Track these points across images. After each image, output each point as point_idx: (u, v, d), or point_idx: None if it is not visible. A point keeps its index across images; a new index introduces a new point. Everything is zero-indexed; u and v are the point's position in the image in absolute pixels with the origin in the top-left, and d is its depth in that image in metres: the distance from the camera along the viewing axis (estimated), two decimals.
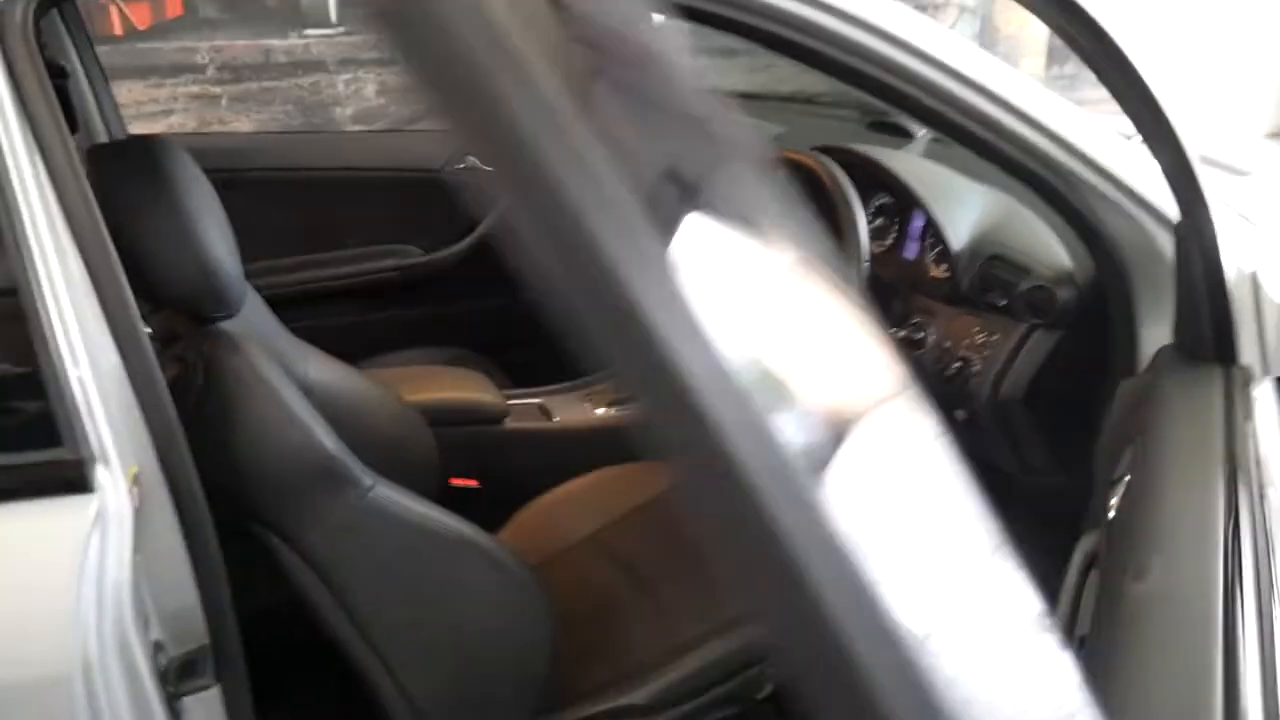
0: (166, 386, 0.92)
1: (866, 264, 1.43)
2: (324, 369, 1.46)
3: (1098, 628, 0.85)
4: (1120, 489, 0.99)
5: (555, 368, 2.76)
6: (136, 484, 0.86)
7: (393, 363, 2.27)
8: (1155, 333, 1.29)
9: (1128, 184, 1.21)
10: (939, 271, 1.57)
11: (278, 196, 2.42)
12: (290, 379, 1.15)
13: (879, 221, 1.73)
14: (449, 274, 2.56)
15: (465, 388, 1.83)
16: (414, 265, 2.53)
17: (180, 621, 0.96)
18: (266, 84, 3.97)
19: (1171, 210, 1.22)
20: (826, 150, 1.60)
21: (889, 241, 1.71)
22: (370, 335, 2.51)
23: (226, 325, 1.12)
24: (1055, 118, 1.17)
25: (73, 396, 0.82)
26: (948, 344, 1.49)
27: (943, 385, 1.49)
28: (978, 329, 1.45)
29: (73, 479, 0.82)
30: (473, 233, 2.57)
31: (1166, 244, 1.25)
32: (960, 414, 1.53)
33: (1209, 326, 1.11)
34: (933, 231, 1.60)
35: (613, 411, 1.96)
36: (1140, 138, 1.08)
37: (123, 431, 0.86)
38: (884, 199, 1.71)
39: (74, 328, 0.83)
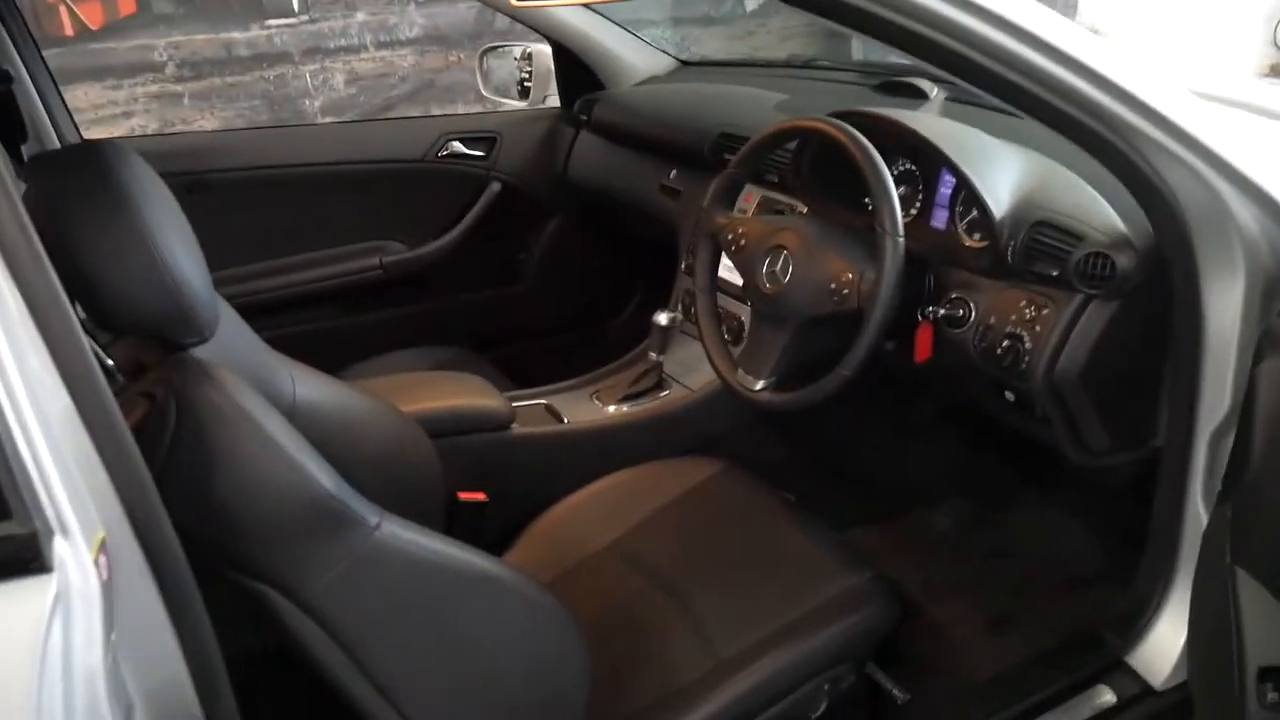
0: (131, 432, 0.78)
1: (902, 239, 1.30)
2: (311, 386, 1.33)
3: None
4: None
5: (557, 362, 2.63)
6: (103, 553, 0.73)
7: (382, 367, 2.14)
8: (1223, 300, 1.17)
9: (1193, 135, 1.08)
10: (974, 241, 1.45)
11: (248, 197, 2.27)
12: (276, 406, 1.01)
13: (902, 190, 1.60)
14: (437, 269, 2.43)
15: (466, 393, 1.69)
16: (399, 261, 2.39)
17: (168, 697, 0.83)
18: (230, 79, 3.79)
19: (1243, 164, 1.10)
20: (842, 115, 1.46)
21: (914, 211, 1.59)
22: (356, 339, 2.37)
23: (199, 352, 0.98)
24: (1106, 65, 1.04)
25: (16, 455, 0.68)
26: (992, 320, 1.36)
27: (991, 365, 1.36)
28: (1025, 303, 1.33)
29: (25, 558, 0.68)
30: (460, 223, 2.43)
31: (1235, 201, 1.12)
32: (1009, 395, 1.41)
33: None
34: (964, 198, 1.48)
35: (625, 408, 1.83)
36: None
37: (82, 492, 0.72)
38: (906, 165, 1.58)
39: (11, 369, 0.68)
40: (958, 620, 1.70)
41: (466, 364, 2.22)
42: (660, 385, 1.87)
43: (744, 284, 1.52)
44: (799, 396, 1.40)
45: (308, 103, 3.92)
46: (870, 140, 1.38)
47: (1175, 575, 1.37)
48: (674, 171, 2.14)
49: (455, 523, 1.59)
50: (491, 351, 2.46)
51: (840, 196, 1.66)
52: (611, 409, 1.83)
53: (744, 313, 1.84)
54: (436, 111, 3.60)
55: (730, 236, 1.53)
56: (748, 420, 1.84)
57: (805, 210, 1.72)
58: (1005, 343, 1.33)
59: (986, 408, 1.55)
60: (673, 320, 1.83)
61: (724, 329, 1.64)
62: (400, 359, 2.20)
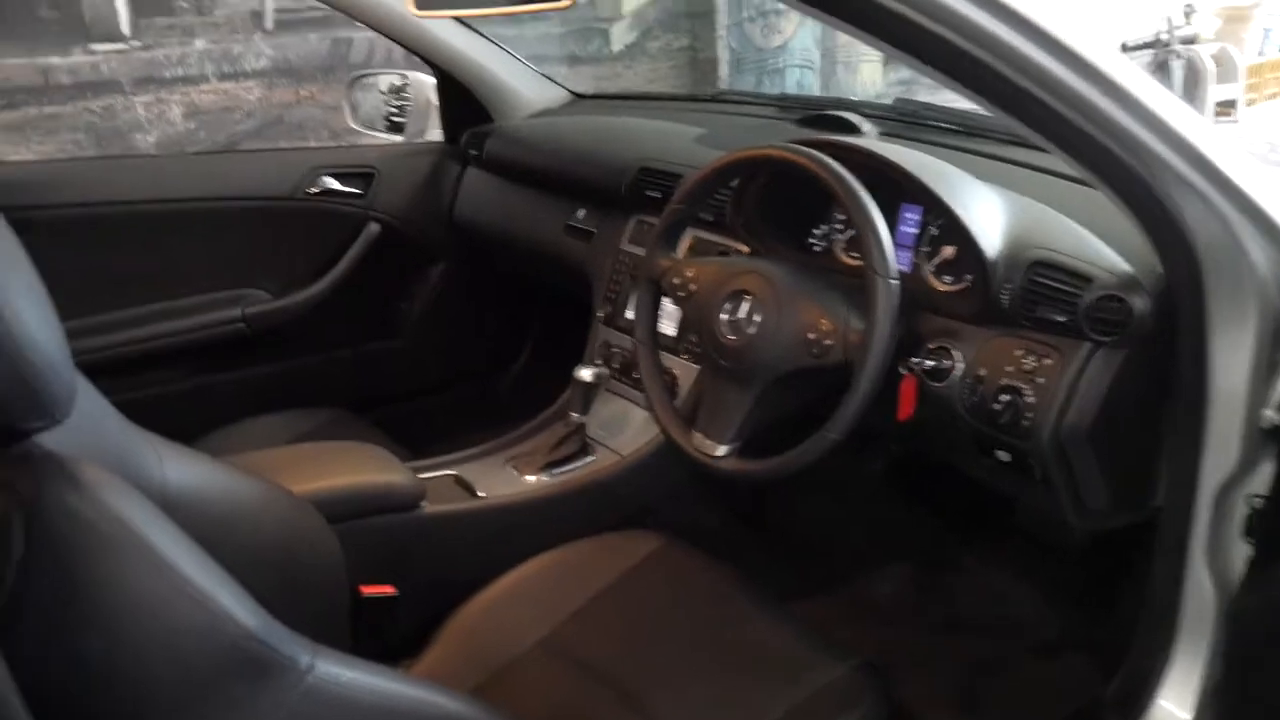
0: None
1: (896, 281, 1.15)
2: (184, 467, 1.07)
3: None
4: None
5: (448, 423, 2.38)
6: None
7: (247, 435, 1.86)
8: (1233, 345, 1.07)
9: (1207, 158, 0.98)
10: (946, 285, 1.32)
11: (82, 238, 1.95)
12: (150, 498, 0.76)
13: (848, 231, 1.47)
14: (307, 320, 2.15)
15: (365, 467, 1.44)
16: (263, 313, 2.11)
17: None
18: (49, 109, 3.38)
19: (1257, 193, 1.01)
20: (799, 144, 1.31)
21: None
22: (215, 403, 2.08)
23: (47, 439, 0.72)
24: (1125, 77, 0.93)
25: None
26: (982, 372, 1.23)
27: (984, 422, 1.23)
28: (1023, 353, 1.20)
29: None
30: (333, 269, 2.17)
31: (1248, 236, 1.02)
32: (1002, 455, 1.27)
33: None
34: (932, 237, 1.35)
35: (546, 478, 1.62)
36: None
37: None
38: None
39: None
40: (926, 703, 1.55)
41: (344, 428, 1.97)
42: (585, 450, 1.66)
43: (695, 336, 1.35)
44: (776, 465, 1.23)
45: (140, 137, 3.54)
46: None
47: (1176, 646, 1.26)
48: (582, 211, 1.95)
49: (359, 623, 1.34)
50: (372, 413, 2.20)
51: (786, 237, 1.52)
52: (531, 479, 1.61)
53: (678, 367, 1.66)
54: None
55: (677, 281, 1.36)
56: (681, 486, 1.66)
57: (748, 251, 1.56)
58: (1003, 398, 1.20)
59: (969, 468, 1.42)
60: (598, 376, 1.63)
61: None
62: (268, 425, 1.92)
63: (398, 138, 2.37)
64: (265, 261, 2.12)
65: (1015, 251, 1.22)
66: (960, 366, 1.26)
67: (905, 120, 1.80)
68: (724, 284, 1.30)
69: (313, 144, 2.29)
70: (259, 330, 2.09)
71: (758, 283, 1.27)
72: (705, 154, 1.76)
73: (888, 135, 1.78)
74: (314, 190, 2.13)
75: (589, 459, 1.65)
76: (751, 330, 1.25)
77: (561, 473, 1.63)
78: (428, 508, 1.47)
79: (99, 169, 2.02)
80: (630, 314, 1.76)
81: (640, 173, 1.78)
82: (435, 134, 2.38)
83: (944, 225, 1.33)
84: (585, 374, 1.62)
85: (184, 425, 1.90)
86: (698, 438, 1.31)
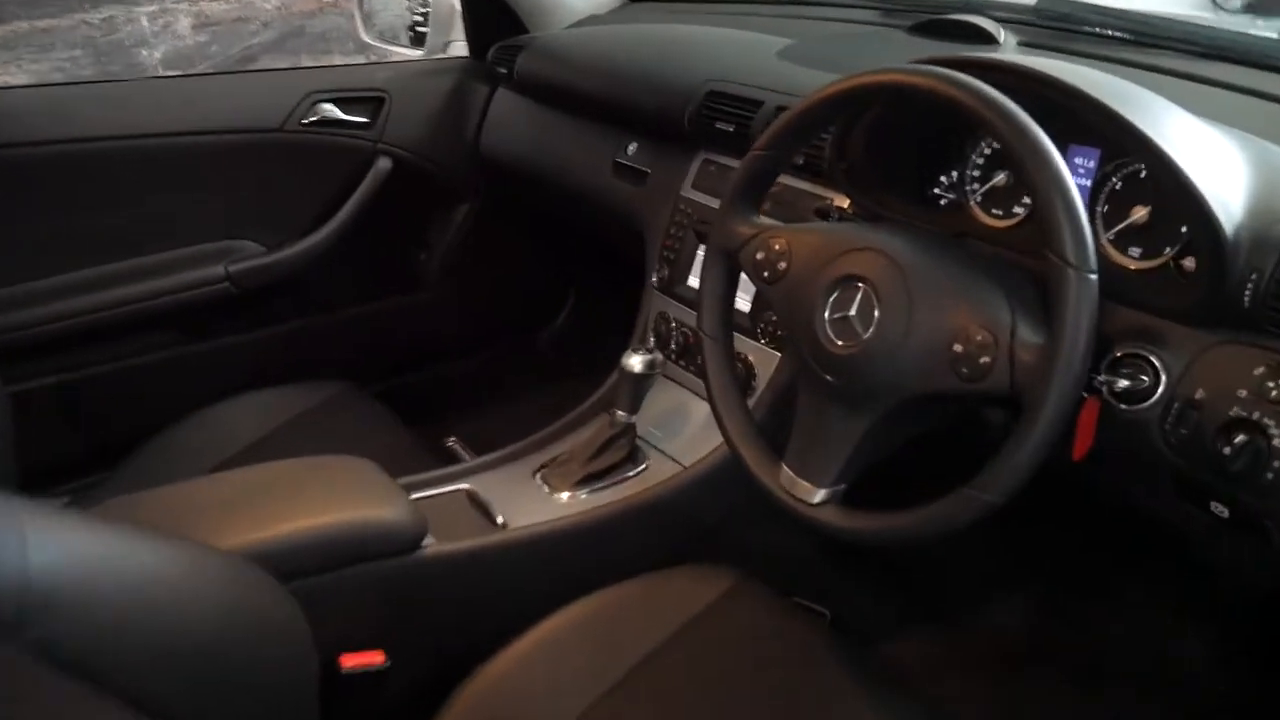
0: None
1: (1095, 275, 0.78)
2: (60, 546, 0.75)
3: None
4: None
5: (474, 392, 2.06)
6: None
7: (233, 414, 1.58)
8: None
9: None
10: (1140, 262, 0.95)
11: (37, 182, 1.63)
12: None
13: (983, 175, 1.09)
14: (306, 277, 1.83)
15: (345, 498, 1.12)
16: (253, 269, 1.78)
17: None
18: (43, 22, 3.05)
19: None
20: (929, 64, 0.92)
21: (1004, 212, 1.08)
22: (197, 377, 1.78)
23: None
24: None
25: None
26: (1199, 395, 0.86)
27: (1202, 464, 0.86)
28: (1265, 371, 0.82)
29: None
30: (336, 214, 1.83)
31: None
32: (1219, 509, 0.91)
33: None
34: (1125, 191, 0.98)
35: (586, 495, 1.28)
36: None
37: None
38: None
39: None
40: None
41: (347, 404, 1.67)
42: (635, 457, 1.32)
43: (787, 332, 0.99)
44: (901, 526, 0.88)
45: (145, 53, 3.20)
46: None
47: None
48: (633, 145, 1.58)
49: (335, 704, 1.03)
50: (383, 384, 1.89)
51: (903, 187, 1.14)
52: (566, 496, 1.28)
53: (754, 353, 1.30)
54: (307, 63, 2.88)
55: (761, 256, 0.99)
56: (760, 504, 1.31)
57: (849, 207, 1.19)
58: (1238, 438, 0.83)
59: (1160, 514, 1.06)
60: (650, 364, 1.28)
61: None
62: (256, 403, 1.63)
63: (415, 53, 2.01)
64: (254, 208, 1.79)
65: (1265, 224, 0.84)
66: (1164, 384, 0.89)
67: (1053, 26, 1.39)
68: (829, 264, 0.93)
69: (307, 63, 1.94)
70: (248, 290, 1.77)
71: (877, 264, 0.90)
72: (793, 73, 1.38)
73: (1029, 46, 1.37)
74: (311, 120, 1.78)
75: (640, 468, 1.32)
76: (869, 334, 0.89)
77: (605, 488, 1.29)
78: (430, 547, 1.14)
79: (48, 99, 1.68)
80: (694, 280, 1.40)
81: (708, 98, 1.41)
82: (460, 48, 2.01)
83: (1135, 175, 0.96)
84: (635, 362, 1.27)
85: (159, 405, 1.62)
86: (787, 475, 0.97)
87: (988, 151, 1.12)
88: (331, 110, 1.79)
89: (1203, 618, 1.40)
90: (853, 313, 0.90)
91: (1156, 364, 0.90)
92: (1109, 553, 1.47)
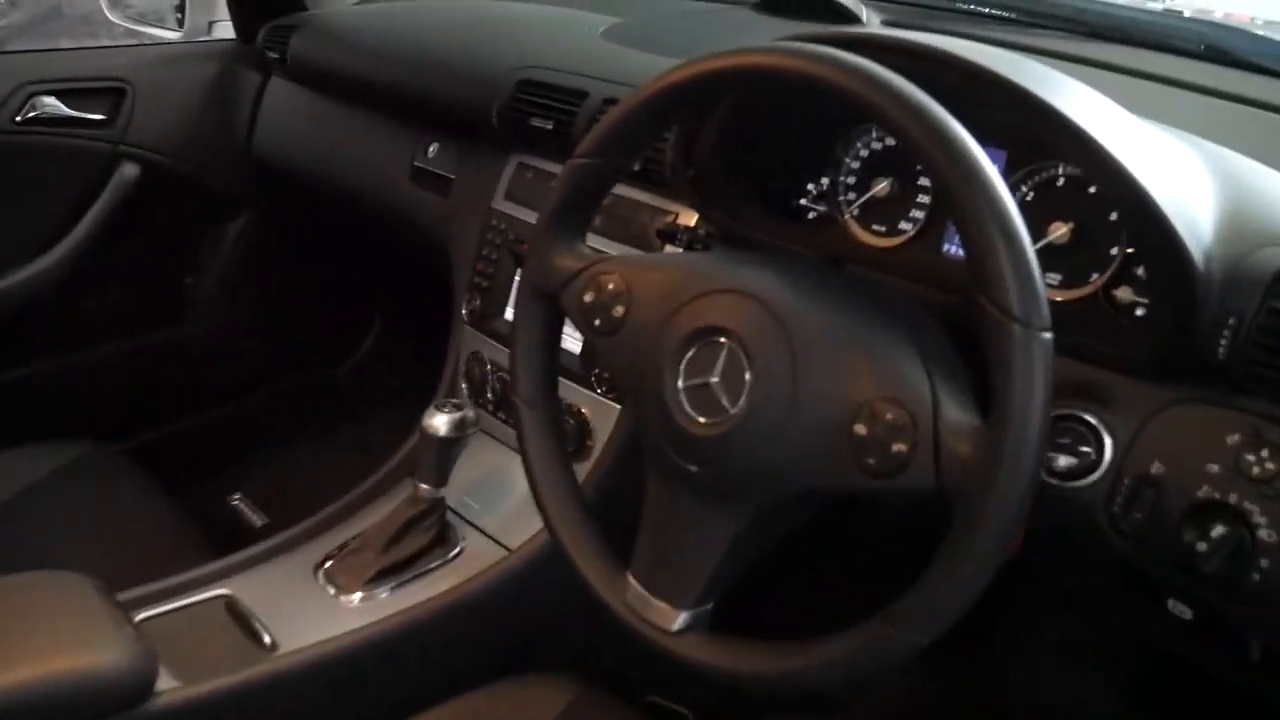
0: None
1: (1049, 333, 0.57)
2: None
3: None
4: None
5: (256, 446, 1.73)
6: None
7: None
8: None
9: None
10: (1066, 292, 0.76)
11: None
12: None
13: (883, 186, 0.88)
14: (33, 309, 1.47)
15: (53, 642, 0.81)
16: None
17: None
18: None
19: None
20: (806, 41, 0.70)
21: (907, 226, 0.88)
22: None
23: None
24: None
25: None
26: (1157, 470, 0.67)
27: (1160, 561, 0.68)
28: (1241, 440, 0.64)
29: None
30: (71, 233, 1.48)
31: None
32: (1180, 609, 0.72)
33: None
34: (1047, 202, 0.79)
35: (386, 594, 1.01)
36: None
37: None
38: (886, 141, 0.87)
39: None
40: None
41: (95, 469, 1.35)
42: (444, 539, 1.06)
43: (629, 396, 0.76)
44: (795, 670, 0.65)
45: None
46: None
47: None
48: (434, 146, 1.32)
49: None
50: (138, 439, 1.56)
51: (761, 196, 0.93)
52: (358, 599, 1.00)
53: (587, 404, 1.06)
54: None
55: (591, 299, 0.75)
56: None
57: (694, 225, 0.96)
58: (1215, 529, 0.64)
59: (1101, 608, 0.88)
60: (459, 424, 1.02)
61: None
62: None
63: (169, 34, 1.68)
64: None
65: (1238, 252, 0.65)
66: (1109, 454, 0.70)
67: (921, 3, 1.20)
68: (680, 311, 0.70)
69: (19, 48, 1.58)
70: None
71: (745, 312, 0.67)
72: (622, 57, 1.14)
73: (894, 25, 1.18)
74: (29, 117, 1.42)
75: (453, 554, 1.05)
76: (738, 408, 0.65)
77: (408, 583, 1.02)
78: (164, 693, 0.85)
79: None
80: (511, 313, 1.15)
81: (519, 88, 1.16)
82: (226, 30, 1.68)
83: (1050, 184, 0.78)
84: (439, 423, 1.01)
85: None
86: (635, 593, 0.73)
87: (864, 153, 0.91)
88: (55, 105, 1.44)
89: (1107, 669, 1.24)
90: (715, 378, 0.67)
91: (1099, 429, 0.71)
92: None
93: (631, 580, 0.73)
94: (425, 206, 1.31)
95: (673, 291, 0.71)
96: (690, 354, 0.68)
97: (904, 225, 0.88)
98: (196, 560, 1.09)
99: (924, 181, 0.87)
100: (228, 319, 1.70)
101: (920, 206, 0.87)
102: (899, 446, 0.60)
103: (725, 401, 0.66)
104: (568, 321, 0.79)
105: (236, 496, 1.69)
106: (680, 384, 0.68)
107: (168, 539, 1.29)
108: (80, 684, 0.80)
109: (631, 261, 0.76)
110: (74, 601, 0.86)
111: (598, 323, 0.74)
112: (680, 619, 0.71)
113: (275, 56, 1.54)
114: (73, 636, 0.82)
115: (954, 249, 0.86)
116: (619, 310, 0.73)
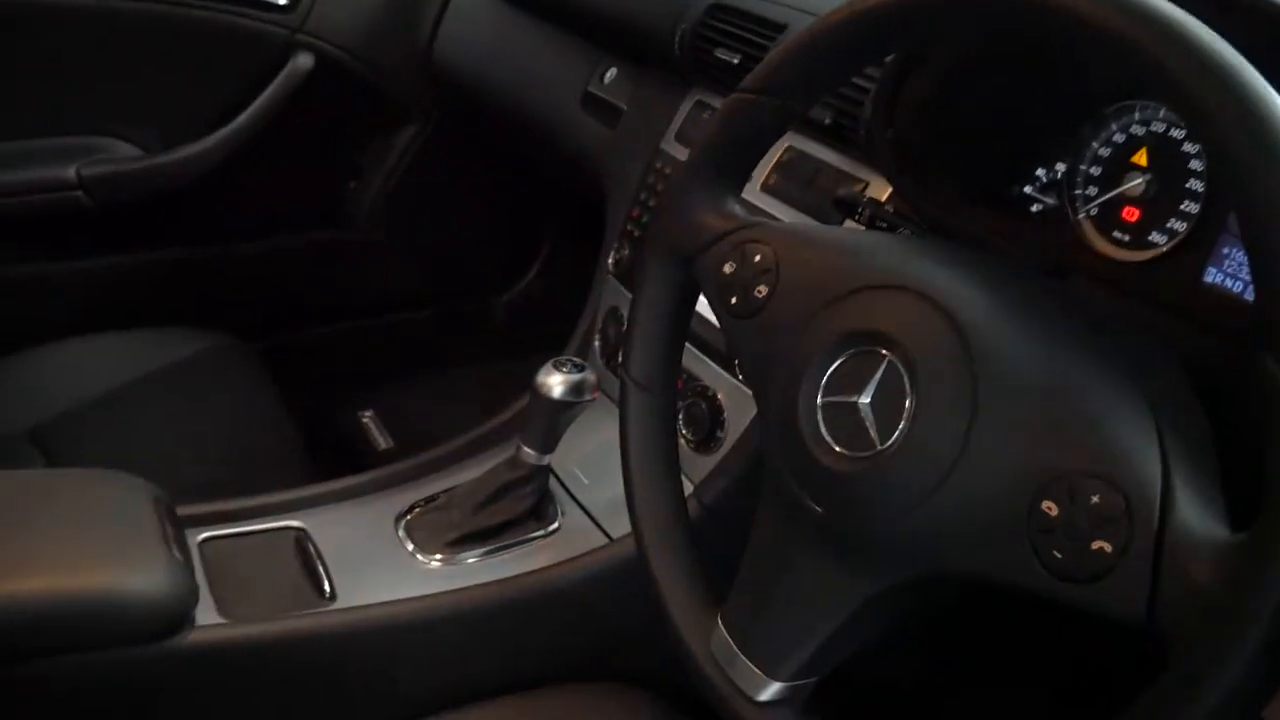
0: None
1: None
2: None
3: None
4: None
5: (405, 362, 1.68)
6: None
7: (62, 359, 1.26)
8: None
9: None
10: None
11: None
12: None
13: (1142, 182, 0.69)
14: (189, 193, 1.45)
15: (86, 550, 0.75)
16: (119, 175, 1.41)
17: None
18: None
19: None
20: None
21: (1159, 238, 0.69)
22: (39, 304, 1.43)
23: None
24: None
25: None
26: None
27: None
28: None
29: None
30: (239, 115, 1.45)
31: None
32: None
33: None
34: None
35: (473, 559, 0.91)
36: None
37: None
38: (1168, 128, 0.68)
39: None
40: None
41: (225, 361, 1.33)
42: (541, 513, 0.95)
43: (755, 396, 0.62)
44: None
45: None
46: None
47: None
48: (611, 71, 1.19)
49: None
50: (276, 340, 1.53)
51: (979, 183, 0.76)
52: (436, 561, 0.91)
53: (724, 390, 0.92)
54: None
55: (732, 270, 0.61)
56: None
57: (886, 202, 0.80)
58: None
59: None
60: (577, 388, 0.89)
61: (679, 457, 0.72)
62: (108, 347, 1.32)
63: None
64: (128, 98, 1.42)
65: None
66: None
67: None
68: (837, 305, 0.55)
69: None
70: (108, 203, 1.40)
71: (919, 319, 0.51)
72: None
73: None
74: None
75: (548, 530, 0.94)
76: (889, 444, 0.50)
77: (493, 553, 0.91)
78: (197, 630, 0.77)
79: None
80: None
81: (710, 13, 1.01)
82: None
83: None
84: (553, 383, 0.89)
85: None
86: (723, 642, 0.59)
87: (1119, 138, 0.72)
88: None
89: None
90: (865, 399, 0.52)
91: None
92: None
93: (720, 627, 0.59)
94: (590, 136, 1.19)
95: (832, 278, 0.56)
96: (839, 362, 0.53)
97: (1156, 237, 0.69)
98: (294, 478, 1.03)
99: (1194, 184, 0.67)
100: (387, 231, 1.65)
101: (1184, 216, 0.68)
102: (1101, 544, 0.43)
103: (874, 432, 0.51)
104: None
105: (368, 414, 1.65)
106: (819, 399, 0.53)
107: (275, 449, 1.24)
108: (100, 604, 0.73)
109: (790, 232, 0.61)
110: (122, 510, 0.79)
111: (734, 301, 0.60)
112: (770, 690, 0.57)
113: None
114: (105, 549, 0.75)
115: (1222, 278, 0.66)
116: (762, 290, 0.59)
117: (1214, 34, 0.43)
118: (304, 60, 1.45)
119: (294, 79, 1.45)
